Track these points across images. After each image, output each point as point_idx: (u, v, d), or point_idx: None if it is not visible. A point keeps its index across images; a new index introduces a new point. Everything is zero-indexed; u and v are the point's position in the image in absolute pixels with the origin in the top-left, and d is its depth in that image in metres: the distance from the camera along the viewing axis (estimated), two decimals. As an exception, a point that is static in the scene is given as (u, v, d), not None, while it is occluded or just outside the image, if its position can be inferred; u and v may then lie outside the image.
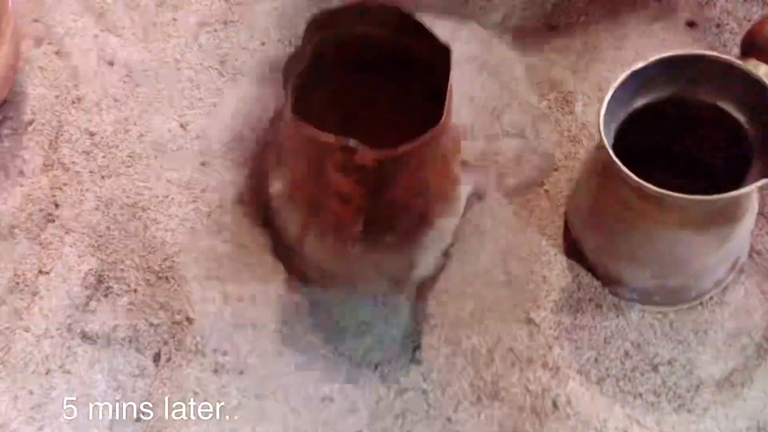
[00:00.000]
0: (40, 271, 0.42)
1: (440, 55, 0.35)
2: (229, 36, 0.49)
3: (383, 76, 0.40)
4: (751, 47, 0.34)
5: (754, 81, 0.33)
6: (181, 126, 0.46)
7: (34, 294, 0.41)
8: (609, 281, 0.39)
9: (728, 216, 0.34)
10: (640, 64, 0.34)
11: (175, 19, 0.50)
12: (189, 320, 0.40)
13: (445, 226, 0.39)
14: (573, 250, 0.40)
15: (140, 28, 0.50)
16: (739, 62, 0.33)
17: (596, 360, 0.39)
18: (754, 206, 0.36)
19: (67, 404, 0.38)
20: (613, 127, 0.34)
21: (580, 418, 0.37)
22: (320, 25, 0.37)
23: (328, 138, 0.33)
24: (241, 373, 0.38)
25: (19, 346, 0.39)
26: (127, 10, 0.51)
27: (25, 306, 0.41)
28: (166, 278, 0.41)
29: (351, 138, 0.33)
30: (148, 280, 0.41)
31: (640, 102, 0.35)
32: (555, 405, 0.37)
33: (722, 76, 0.34)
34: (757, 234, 0.41)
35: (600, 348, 0.39)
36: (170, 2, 0.51)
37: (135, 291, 0.41)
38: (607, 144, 0.33)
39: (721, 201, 0.32)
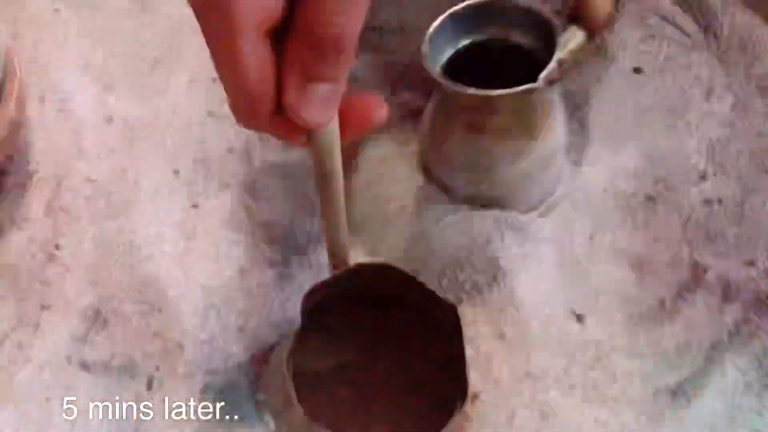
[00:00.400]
0: (42, 307, 0.45)
1: (448, 313, 0.35)
2: (217, 90, 0.54)
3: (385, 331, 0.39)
4: (574, 18, 0.41)
5: (544, 19, 0.41)
6: (174, 172, 0.50)
7: (36, 327, 0.44)
8: (445, 189, 0.45)
9: (521, 130, 0.41)
10: (456, 8, 0.41)
11: (168, 78, 0.55)
12: (180, 346, 0.43)
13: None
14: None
15: (137, 88, 0.55)
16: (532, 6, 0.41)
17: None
18: (555, 133, 0.43)
19: (65, 430, 0.41)
20: (440, 60, 0.42)
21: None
22: (313, 295, 0.36)
23: None
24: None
25: (22, 375, 0.42)
26: (124, 72, 0.55)
27: (27, 339, 0.44)
28: (159, 309, 0.44)
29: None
30: (143, 311, 0.44)
31: (463, 42, 0.42)
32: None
33: (522, 17, 0.41)
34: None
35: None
36: (163, 65, 0.56)
37: (130, 321, 0.44)
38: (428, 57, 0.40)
39: (508, 95, 0.39)
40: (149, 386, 0.42)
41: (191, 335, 0.43)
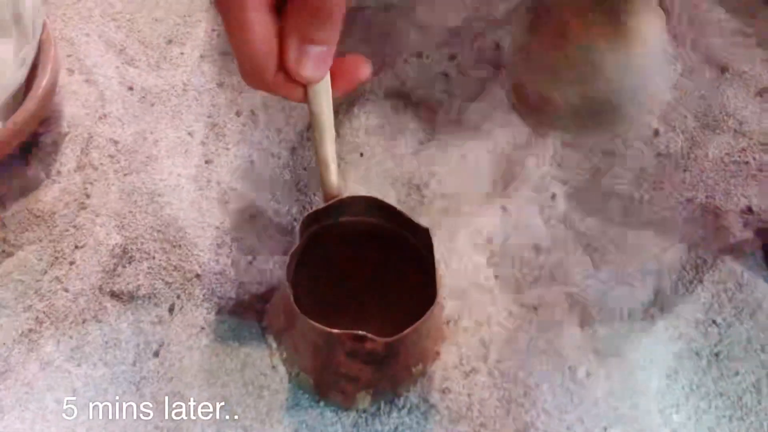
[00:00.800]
0: (76, 246, 0.51)
1: (422, 236, 0.40)
2: (225, 63, 0.61)
3: (371, 256, 0.45)
4: None
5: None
6: (189, 134, 0.57)
7: (71, 263, 0.50)
8: (544, 107, 0.45)
9: (633, 35, 0.42)
10: None
11: (182, 53, 0.62)
12: (198, 277, 0.49)
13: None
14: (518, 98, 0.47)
15: (153, 61, 0.61)
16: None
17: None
18: (661, 34, 0.44)
19: (99, 346, 0.47)
20: None
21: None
22: (309, 222, 0.42)
23: (338, 331, 0.36)
24: (235, 314, 0.48)
25: (60, 302, 0.49)
26: (142, 47, 0.62)
27: (64, 273, 0.50)
28: (179, 246, 0.51)
29: (359, 330, 0.36)
30: (164, 248, 0.51)
31: None
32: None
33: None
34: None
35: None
36: (177, 40, 0.63)
37: (153, 258, 0.50)
38: None
39: None
40: (171, 311, 0.48)
41: (207, 267, 0.50)
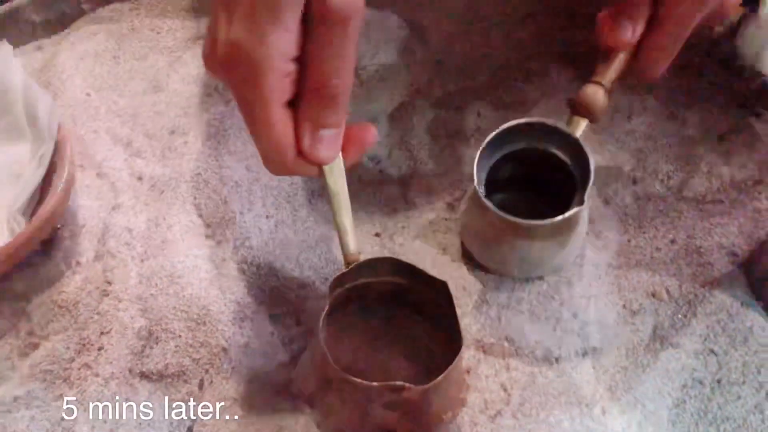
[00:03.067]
0: (102, 332, 0.53)
1: (441, 290, 0.44)
2: (227, 146, 0.64)
3: (392, 311, 0.49)
4: (574, 108, 0.50)
5: (572, 138, 0.49)
6: (199, 216, 0.60)
7: (100, 349, 0.52)
8: (489, 270, 0.53)
9: (565, 230, 0.49)
10: (502, 127, 0.49)
11: (185, 142, 0.66)
12: (224, 350, 0.52)
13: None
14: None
15: (159, 151, 0.65)
16: (561, 126, 0.49)
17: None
18: (584, 220, 0.51)
19: (133, 428, 0.49)
20: (486, 167, 0.50)
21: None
22: (335, 285, 0.45)
23: (378, 384, 0.39)
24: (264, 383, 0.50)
25: (92, 388, 0.50)
26: (147, 140, 0.66)
27: (93, 359, 0.52)
28: (204, 323, 0.53)
29: (397, 381, 0.39)
30: (189, 326, 0.53)
31: (505, 150, 0.50)
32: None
33: (553, 134, 0.50)
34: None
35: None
36: (179, 131, 0.66)
37: (180, 336, 0.52)
38: (476, 183, 0.48)
39: (552, 223, 0.46)
40: (200, 386, 0.50)
41: (232, 341, 0.52)
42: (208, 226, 0.60)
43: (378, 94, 0.68)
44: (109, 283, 0.56)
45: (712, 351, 0.50)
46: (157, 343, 0.52)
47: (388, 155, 0.64)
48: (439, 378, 0.39)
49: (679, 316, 0.51)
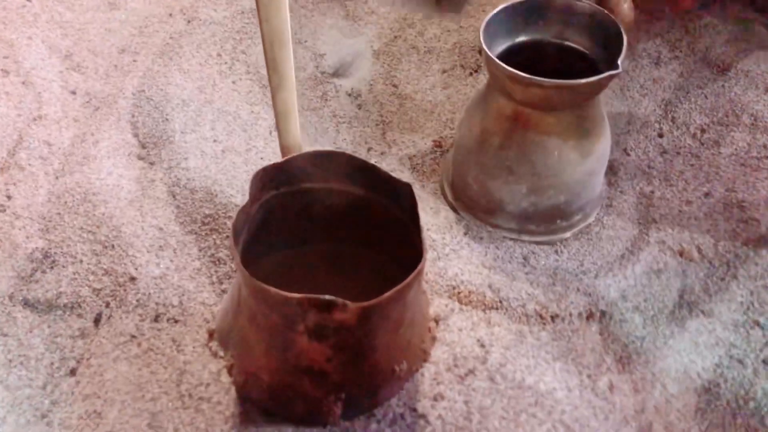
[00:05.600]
0: (-13, 252, 0.43)
1: (403, 193, 0.33)
2: (180, 64, 0.55)
3: (341, 231, 0.37)
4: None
5: (599, 17, 0.39)
6: (135, 136, 0.50)
7: (-22, 269, 0.41)
8: (490, 211, 0.42)
9: (585, 130, 0.40)
10: (510, 2, 0.40)
11: (135, 61, 0.56)
12: (132, 280, 0.41)
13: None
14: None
15: (102, 69, 0.55)
16: (582, 2, 0.40)
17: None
18: (606, 136, 0.41)
19: (1, 365, 0.38)
20: (494, 52, 0.39)
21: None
22: (267, 182, 0.34)
23: (299, 296, 0.27)
24: (177, 322, 0.39)
25: (-41, 311, 0.39)
26: (91, 55, 0.56)
27: (-32, 280, 0.41)
28: (112, 246, 0.42)
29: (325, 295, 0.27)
30: (94, 250, 0.42)
31: (518, 39, 0.41)
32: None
33: (572, 15, 0.40)
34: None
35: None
36: (130, 49, 0.57)
37: (81, 261, 0.42)
38: (485, 45, 0.37)
39: (586, 83, 0.36)
40: (97, 321, 0.39)
41: (144, 270, 0.41)
42: (143, 146, 0.49)
43: (365, 26, 0.58)
44: (9, 197, 0.45)
45: (756, 323, 0.38)
46: (52, 268, 0.41)
47: (369, 90, 0.54)
48: (386, 295, 0.28)
49: (715, 278, 0.40)
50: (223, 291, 0.41)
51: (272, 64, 0.34)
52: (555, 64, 0.41)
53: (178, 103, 0.51)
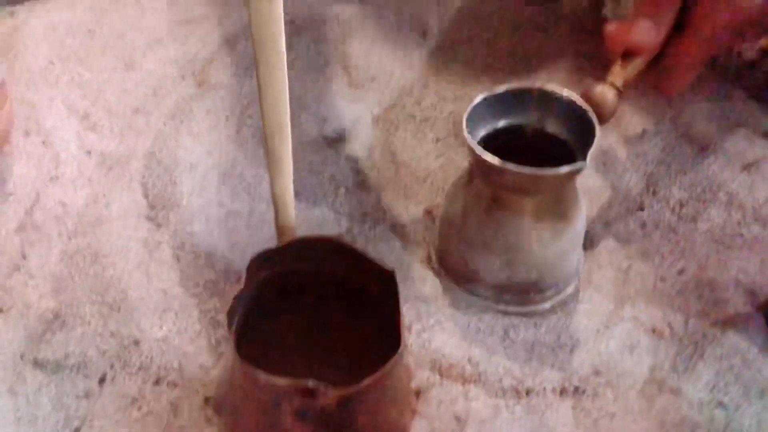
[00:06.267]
0: (0, 310, 0.46)
1: (387, 281, 0.36)
2: (190, 127, 0.58)
3: (330, 308, 0.40)
4: None
5: (576, 106, 0.42)
6: (144, 197, 0.53)
7: (-7, 328, 0.45)
8: (470, 280, 0.45)
9: (559, 212, 0.42)
10: (492, 92, 0.43)
11: (147, 122, 0.59)
12: (136, 342, 0.43)
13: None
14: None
15: (117, 129, 0.59)
16: (561, 93, 0.43)
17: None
18: (583, 214, 0.44)
19: (10, 423, 0.40)
20: (476, 138, 0.42)
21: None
22: (261, 264, 0.37)
23: (284, 381, 0.31)
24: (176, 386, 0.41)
25: (-27, 370, 0.42)
26: (107, 115, 0.60)
27: (-18, 339, 0.44)
28: (119, 308, 0.45)
29: (309, 379, 0.31)
30: (102, 312, 0.45)
31: (500, 124, 0.44)
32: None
33: (551, 103, 0.43)
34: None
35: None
36: (144, 110, 0.60)
37: (89, 323, 0.45)
38: (466, 132, 0.40)
39: (555, 175, 0.39)
40: (101, 382, 0.42)
41: (148, 333, 0.44)
42: (152, 207, 0.53)
43: (366, 93, 0.62)
44: (25, 257, 0.49)
45: (720, 403, 0.41)
46: (61, 329, 0.45)
47: (368, 156, 0.57)
48: (365, 382, 0.30)
49: (684, 357, 0.43)
50: (221, 354, 0.44)
51: (271, 154, 0.37)
52: (536, 148, 0.44)
53: (186, 167, 0.55)
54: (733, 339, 0.43)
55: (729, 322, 0.44)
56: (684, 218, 0.51)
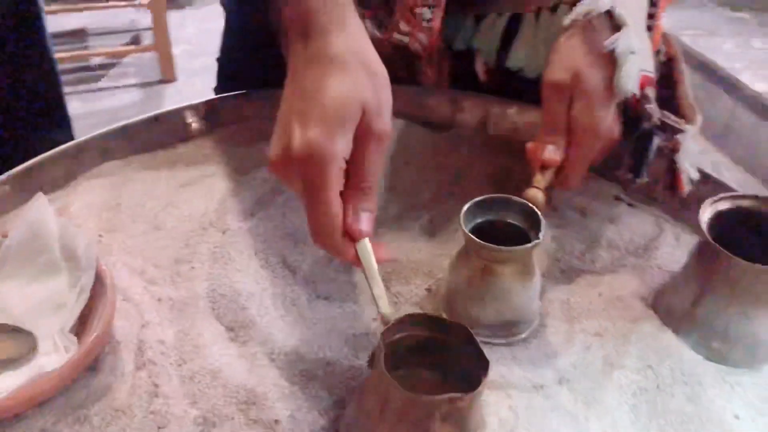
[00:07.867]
0: (159, 427, 0.60)
1: (459, 331, 0.56)
2: (234, 266, 0.76)
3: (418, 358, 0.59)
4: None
5: (525, 206, 0.68)
6: (221, 324, 0.70)
7: (161, 442, 0.59)
8: (470, 324, 0.63)
9: (526, 272, 0.66)
10: (483, 197, 0.67)
11: (192, 268, 0.76)
12: (276, 422, 0.60)
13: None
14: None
15: (168, 278, 0.75)
16: (515, 198, 0.68)
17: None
18: (538, 271, 0.68)
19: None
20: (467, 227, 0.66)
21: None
22: (382, 336, 0.55)
23: (441, 397, 0.48)
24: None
25: (164, 471, 0.57)
26: (156, 269, 0.76)
27: (158, 450, 0.59)
28: (254, 403, 0.62)
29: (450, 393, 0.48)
30: (241, 408, 0.61)
31: (480, 219, 0.68)
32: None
33: (514, 206, 0.68)
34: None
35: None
36: (184, 260, 0.77)
37: (233, 419, 0.61)
38: (464, 227, 0.64)
39: (522, 249, 0.63)
40: (261, 456, 0.59)
41: (282, 415, 0.61)
42: (231, 329, 0.70)
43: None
44: (156, 385, 0.64)
45: (648, 366, 0.66)
46: (214, 426, 0.60)
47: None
48: (481, 386, 0.52)
49: (619, 346, 0.68)
50: (330, 417, 0.62)
51: (366, 266, 0.59)
52: (502, 233, 0.69)
53: (247, 295, 0.73)
54: (641, 327, 0.70)
55: (637, 320, 0.70)
56: (587, 261, 0.79)
